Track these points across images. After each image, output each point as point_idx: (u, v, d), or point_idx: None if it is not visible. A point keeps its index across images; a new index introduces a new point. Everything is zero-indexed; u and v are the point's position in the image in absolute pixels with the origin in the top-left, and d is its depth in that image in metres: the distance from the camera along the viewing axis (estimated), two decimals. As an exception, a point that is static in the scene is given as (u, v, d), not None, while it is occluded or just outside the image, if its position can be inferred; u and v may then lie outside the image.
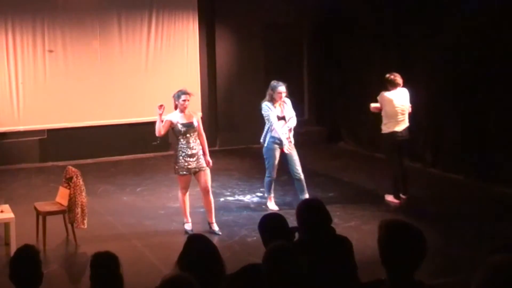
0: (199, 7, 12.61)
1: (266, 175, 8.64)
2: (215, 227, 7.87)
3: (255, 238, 7.28)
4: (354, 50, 12.38)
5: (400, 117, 8.70)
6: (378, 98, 8.83)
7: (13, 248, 6.43)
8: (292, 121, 8.50)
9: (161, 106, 7.70)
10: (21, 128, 11.64)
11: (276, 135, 8.38)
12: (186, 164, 7.66)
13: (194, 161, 7.68)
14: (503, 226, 7.56)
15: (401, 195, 8.92)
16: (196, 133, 7.73)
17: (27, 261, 3.75)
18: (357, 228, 7.83)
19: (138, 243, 7.62)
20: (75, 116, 11.83)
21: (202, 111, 12.73)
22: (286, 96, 8.51)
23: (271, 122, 8.34)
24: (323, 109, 13.56)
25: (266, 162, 8.60)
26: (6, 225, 7.25)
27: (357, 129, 12.44)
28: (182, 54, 12.54)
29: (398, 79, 8.71)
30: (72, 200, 7.39)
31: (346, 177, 10.15)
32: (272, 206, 8.67)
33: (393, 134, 8.74)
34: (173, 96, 7.80)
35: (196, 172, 7.74)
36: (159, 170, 11.16)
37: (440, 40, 10.40)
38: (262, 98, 13.38)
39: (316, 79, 13.61)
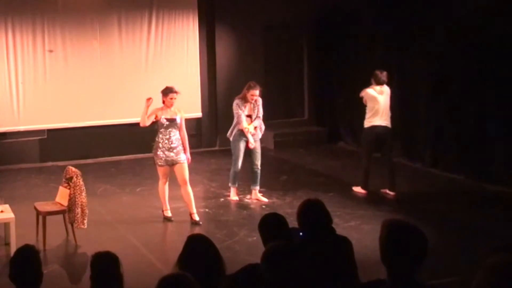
0: (199, 7, 12.62)
1: (232, 166, 9.10)
2: (196, 217, 8.25)
3: (255, 238, 7.27)
4: (354, 50, 12.37)
5: (381, 113, 9.13)
6: (362, 94, 9.26)
7: (13, 248, 6.43)
8: (257, 121, 8.99)
9: (149, 99, 8.20)
10: (21, 128, 11.64)
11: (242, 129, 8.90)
12: (164, 156, 8.16)
13: (173, 154, 8.16)
14: (503, 226, 7.56)
15: (388, 191, 9.28)
16: (177, 129, 8.23)
17: (27, 261, 3.75)
18: (357, 228, 7.83)
19: (138, 243, 7.62)
20: (75, 116, 11.83)
21: (202, 111, 12.76)
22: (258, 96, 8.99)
23: (239, 119, 8.86)
24: (323, 109, 13.56)
25: (232, 154, 9.08)
26: (6, 225, 7.24)
27: (357, 129, 12.42)
28: (182, 54, 12.54)
29: (384, 77, 9.18)
30: (72, 200, 7.39)
31: (346, 177, 10.15)
32: (233, 197, 9.17)
33: (373, 128, 9.17)
34: (161, 92, 8.31)
35: (173, 165, 8.20)
36: (159, 170, 11.15)
37: (440, 40, 10.40)
38: (261, 98, 13.42)
39: (316, 79, 13.62)
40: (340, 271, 4.17)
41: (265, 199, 9.10)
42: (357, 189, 9.42)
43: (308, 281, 3.58)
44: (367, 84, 9.63)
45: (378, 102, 9.12)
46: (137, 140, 12.27)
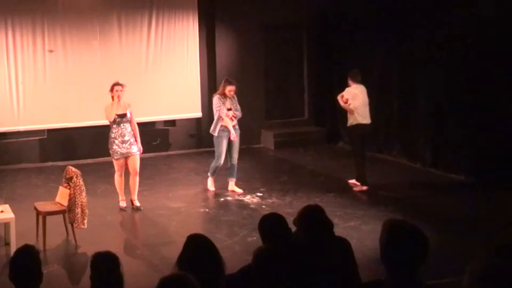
0: (199, 7, 12.62)
1: (214, 161, 9.49)
2: (137, 203, 8.91)
3: (255, 238, 7.28)
4: (354, 50, 12.37)
5: (364, 110, 9.54)
6: (345, 93, 9.63)
7: (13, 248, 6.43)
8: (239, 112, 9.51)
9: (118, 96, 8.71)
10: (21, 128, 11.64)
11: (224, 125, 9.33)
12: (119, 149, 8.70)
13: (127, 147, 8.71)
14: (503, 226, 7.56)
15: (355, 182, 9.71)
16: (128, 123, 8.74)
17: (27, 261, 3.74)
18: (357, 228, 7.83)
19: (138, 243, 7.62)
20: (75, 116, 11.83)
21: (202, 111, 12.75)
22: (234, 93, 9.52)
23: (221, 111, 9.30)
24: (323, 109, 13.56)
25: (215, 150, 9.49)
26: (6, 225, 7.24)
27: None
28: (182, 54, 12.54)
29: (359, 76, 9.59)
30: (72, 200, 7.39)
31: (346, 177, 10.14)
32: (211, 187, 9.65)
33: (358, 126, 9.56)
34: (109, 91, 8.73)
35: (128, 157, 8.76)
36: (159, 170, 11.17)
37: (441, 40, 10.40)
38: (262, 98, 13.46)
39: (316, 79, 13.62)
40: (340, 272, 4.17)
41: (240, 190, 9.49)
42: (357, 188, 9.60)
43: (307, 282, 3.58)
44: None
45: (360, 100, 9.50)
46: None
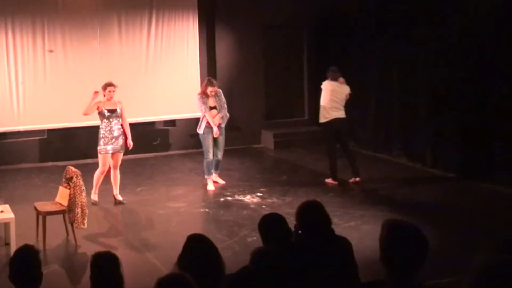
0: (199, 7, 12.62)
1: (204, 158, 9.84)
2: (119, 197, 9.12)
3: (255, 238, 7.28)
4: (354, 50, 12.37)
5: (335, 105, 9.80)
6: (322, 86, 10.01)
7: (13, 248, 6.43)
8: (223, 110, 9.77)
9: (96, 92, 8.95)
10: (21, 128, 11.64)
11: (209, 123, 9.66)
12: (107, 145, 8.87)
13: (114, 143, 8.90)
14: (503, 226, 7.56)
15: (355, 178, 9.87)
16: (118, 119, 8.95)
17: (27, 261, 3.74)
18: (357, 228, 7.83)
19: (138, 243, 7.62)
20: (75, 116, 11.79)
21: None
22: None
23: (204, 112, 9.66)
24: (323, 109, 13.54)
25: (202, 146, 9.86)
26: (6, 225, 7.24)
27: (357, 129, 12.43)
28: (182, 54, 12.54)
29: (334, 74, 9.95)
30: (72, 200, 7.39)
31: (346, 177, 10.15)
32: (210, 187, 9.78)
33: (330, 122, 9.83)
34: (102, 88, 8.96)
35: (113, 153, 8.93)
36: (159, 170, 11.17)
37: (441, 40, 10.41)
38: (261, 98, 13.46)
39: (316, 79, 13.60)
40: (340, 272, 4.17)
41: (222, 181, 9.96)
42: (329, 181, 9.94)
43: (307, 282, 3.58)
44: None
45: (331, 95, 9.82)
46: (137, 140, 12.25)
